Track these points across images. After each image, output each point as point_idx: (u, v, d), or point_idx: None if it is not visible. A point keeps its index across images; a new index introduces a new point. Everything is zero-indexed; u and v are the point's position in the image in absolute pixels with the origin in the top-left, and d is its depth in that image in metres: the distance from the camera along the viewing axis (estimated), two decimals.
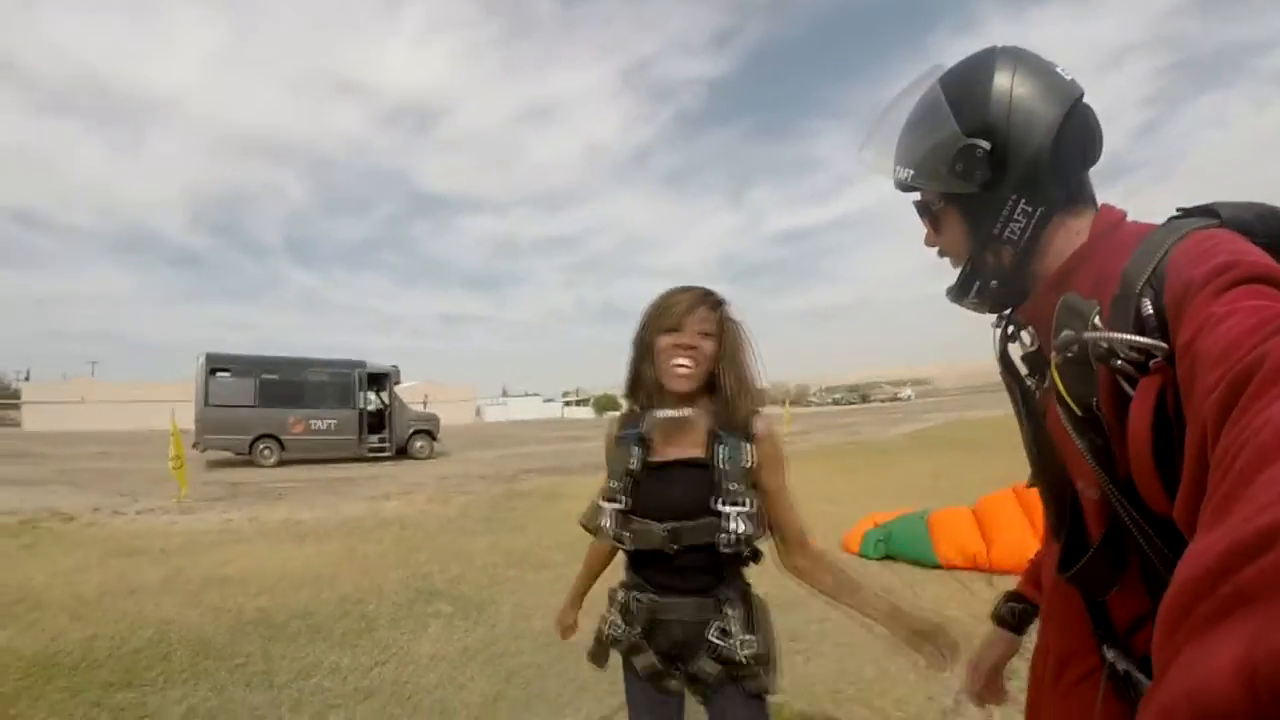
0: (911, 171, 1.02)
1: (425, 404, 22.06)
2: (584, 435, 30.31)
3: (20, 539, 7.64)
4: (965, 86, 0.96)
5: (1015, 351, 1.09)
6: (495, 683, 3.81)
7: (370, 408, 19.07)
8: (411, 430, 19.30)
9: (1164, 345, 0.71)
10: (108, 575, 6.08)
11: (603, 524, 1.68)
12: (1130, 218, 0.95)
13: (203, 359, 17.14)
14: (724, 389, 1.65)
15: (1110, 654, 0.91)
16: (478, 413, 59.79)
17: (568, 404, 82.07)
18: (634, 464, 1.67)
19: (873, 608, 1.60)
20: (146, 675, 3.91)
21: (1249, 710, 0.30)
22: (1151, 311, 0.75)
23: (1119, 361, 0.74)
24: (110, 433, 30.15)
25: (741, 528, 1.57)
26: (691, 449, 1.66)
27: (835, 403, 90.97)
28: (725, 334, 1.67)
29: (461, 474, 14.67)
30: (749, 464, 1.62)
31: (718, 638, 1.61)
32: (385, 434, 19.09)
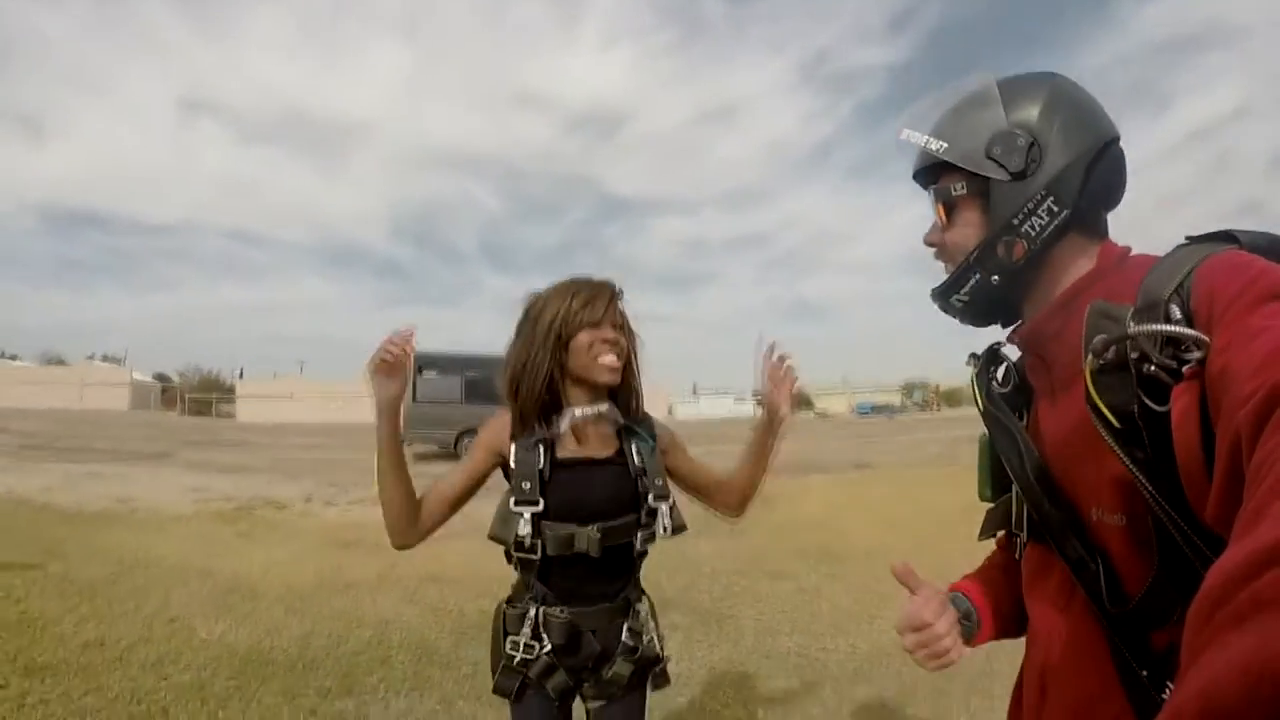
0: (945, 144, 1.00)
1: None
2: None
3: (236, 526, 8.12)
4: (1020, 86, 0.98)
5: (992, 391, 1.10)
6: (750, 707, 3.52)
7: None
8: None
9: (1205, 339, 0.71)
10: (323, 567, 6.17)
11: (520, 532, 1.56)
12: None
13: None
14: (632, 384, 1.70)
15: (1169, 693, 0.85)
16: (670, 410, 60.12)
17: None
18: (542, 464, 1.60)
19: (760, 446, 1.78)
20: (366, 681, 3.71)
21: (1254, 712, 0.31)
22: (1180, 317, 0.76)
23: (1151, 367, 0.76)
24: (315, 425, 33.40)
25: (673, 520, 1.65)
26: (601, 447, 1.67)
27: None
28: (628, 327, 1.70)
29: None
30: (659, 457, 1.69)
31: (630, 640, 1.65)
32: None
